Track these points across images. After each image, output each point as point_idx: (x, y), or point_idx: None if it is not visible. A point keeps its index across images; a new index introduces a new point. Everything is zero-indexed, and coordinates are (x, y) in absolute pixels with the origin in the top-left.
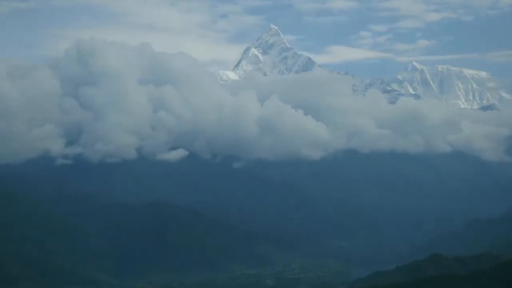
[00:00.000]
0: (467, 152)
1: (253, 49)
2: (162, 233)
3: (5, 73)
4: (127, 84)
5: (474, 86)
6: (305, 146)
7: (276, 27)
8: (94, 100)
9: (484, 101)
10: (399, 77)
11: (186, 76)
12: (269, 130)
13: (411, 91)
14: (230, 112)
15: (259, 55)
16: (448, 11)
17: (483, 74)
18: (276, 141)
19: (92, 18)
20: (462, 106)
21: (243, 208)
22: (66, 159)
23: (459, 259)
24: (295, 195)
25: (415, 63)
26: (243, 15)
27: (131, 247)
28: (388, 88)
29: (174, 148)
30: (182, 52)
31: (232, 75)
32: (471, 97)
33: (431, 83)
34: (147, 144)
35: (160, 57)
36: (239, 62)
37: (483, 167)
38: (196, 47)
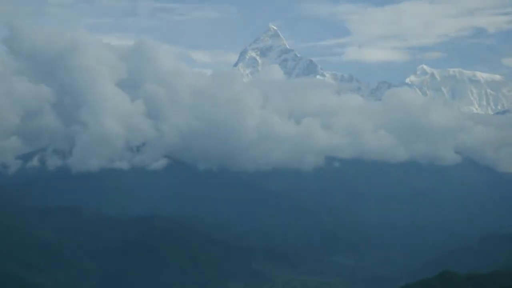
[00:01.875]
0: (479, 161)
1: (250, 51)
2: (153, 249)
3: None
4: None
5: (488, 90)
6: (306, 155)
7: (275, 27)
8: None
9: (499, 107)
10: (408, 81)
11: (174, 74)
12: (266, 137)
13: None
14: (225, 118)
15: (257, 58)
16: None
17: (497, 77)
18: (274, 149)
19: None
20: (476, 112)
21: (240, 221)
22: (47, 169)
23: (471, 277)
24: (295, 207)
25: (425, 66)
26: None
27: (120, 264)
28: None
29: (165, 157)
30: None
31: None
32: (484, 103)
33: (442, 87)
34: (136, 152)
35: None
36: (236, 64)
37: (496, 177)
38: None
